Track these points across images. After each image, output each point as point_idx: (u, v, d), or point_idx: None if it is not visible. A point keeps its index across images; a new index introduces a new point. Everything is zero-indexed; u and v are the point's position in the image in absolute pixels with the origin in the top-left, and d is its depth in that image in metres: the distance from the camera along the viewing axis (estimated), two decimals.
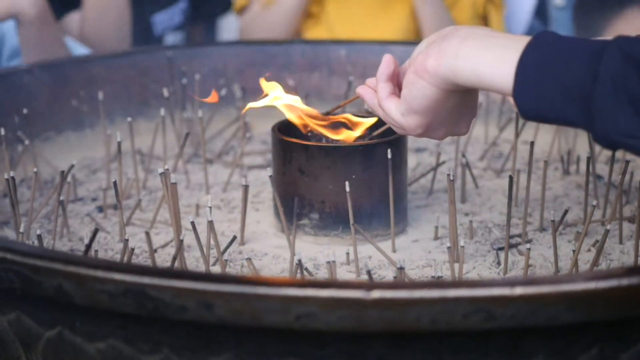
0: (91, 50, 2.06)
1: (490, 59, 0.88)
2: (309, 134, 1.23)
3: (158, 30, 2.38)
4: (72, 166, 1.32)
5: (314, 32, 2.33)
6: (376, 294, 0.78)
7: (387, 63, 1.00)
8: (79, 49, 1.99)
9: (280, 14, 2.30)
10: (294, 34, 2.31)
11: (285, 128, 1.26)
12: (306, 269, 1.11)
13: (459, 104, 0.98)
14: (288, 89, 1.24)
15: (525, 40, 0.87)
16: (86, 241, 1.08)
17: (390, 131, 1.23)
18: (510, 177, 1.17)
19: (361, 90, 1.07)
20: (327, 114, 1.20)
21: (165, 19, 2.40)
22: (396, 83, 1.03)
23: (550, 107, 0.84)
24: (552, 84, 0.84)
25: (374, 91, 1.05)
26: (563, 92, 0.83)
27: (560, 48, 0.84)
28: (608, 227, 1.12)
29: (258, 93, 1.17)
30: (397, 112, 0.99)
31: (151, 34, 2.36)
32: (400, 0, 2.30)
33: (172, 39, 2.47)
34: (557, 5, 2.57)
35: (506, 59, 0.86)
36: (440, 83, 0.92)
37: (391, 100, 1.00)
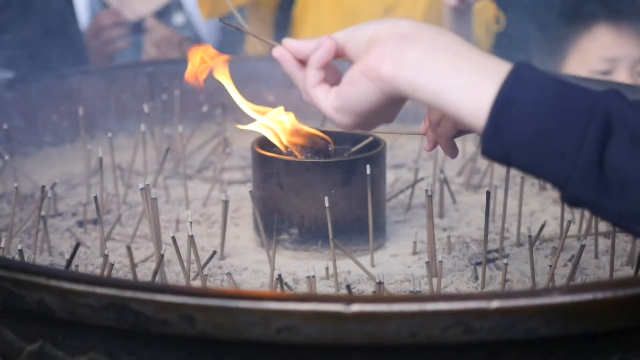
0: None
1: (459, 85, 0.77)
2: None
3: None
4: (54, 184, 1.32)
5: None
6: (356, 307, 0.78)
7: (327, 51, 0.89)
8: None
9: None
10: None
11: (265, 143, 1.26)
12: (286, 283, 1.11)
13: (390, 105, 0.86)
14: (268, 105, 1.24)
15: (502, 68, 0.77)
16: (67, 256, 1.08)
17: (369, 147, 1.24)
18: (488, 193, 1.18)
19: (278, 54, 0.91)
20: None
21: None
22: (328, 70, 0.91)
23: (521, 155, 0.75)
24: (530, 132, 0.74)
25: (293, 58, 0.91)
26: (542, 145, 0.74)
27: (548, 92, 0.75)
28: (584, 242, 1.13)
29: (239, 109, 1.17)
30: (329, 105, 0.88)
31: None
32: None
33: None
34: None
35: (478, 89, 0.76)
36: (391, 91, 0.82)
37: (321, 89, 0.89)
